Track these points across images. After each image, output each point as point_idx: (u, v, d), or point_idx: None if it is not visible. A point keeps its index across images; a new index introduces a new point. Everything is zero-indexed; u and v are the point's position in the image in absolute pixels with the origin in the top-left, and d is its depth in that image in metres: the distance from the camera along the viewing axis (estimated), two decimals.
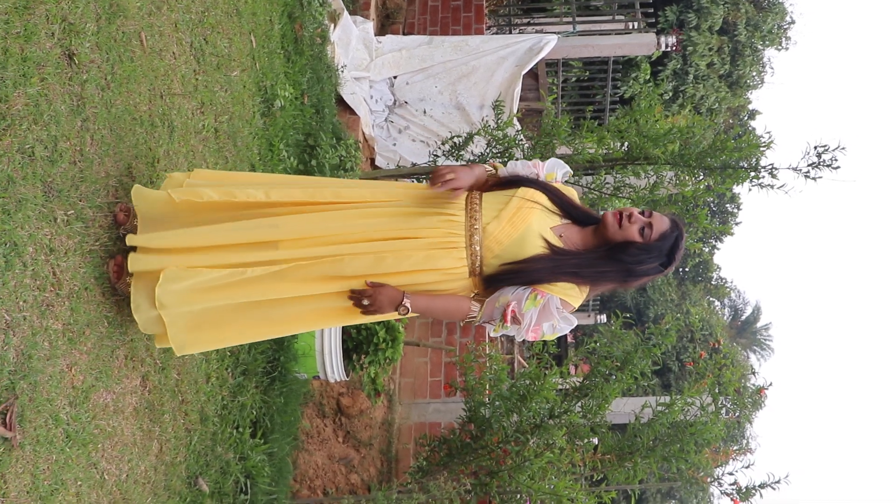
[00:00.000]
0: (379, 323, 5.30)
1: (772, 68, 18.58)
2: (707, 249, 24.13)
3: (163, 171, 3.37)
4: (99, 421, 2.89)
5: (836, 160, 5.58)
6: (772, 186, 5.81)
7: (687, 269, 27.67)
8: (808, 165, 5.67)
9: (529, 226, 2.75)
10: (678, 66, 13.52)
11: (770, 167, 5.77)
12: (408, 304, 2.71)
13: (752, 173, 5.82)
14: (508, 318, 2.73)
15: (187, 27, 3.79)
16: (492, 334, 2.91)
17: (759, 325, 32.04)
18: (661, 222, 2.82)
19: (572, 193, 2.98)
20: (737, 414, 5.40)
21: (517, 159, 5.80)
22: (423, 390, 7.79)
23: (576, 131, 6.02)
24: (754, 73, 15.75)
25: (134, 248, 2.83)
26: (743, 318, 32.07)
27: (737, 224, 23.25)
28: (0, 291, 2.36)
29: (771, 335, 32.01)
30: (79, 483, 2.74)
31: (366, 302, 2.71)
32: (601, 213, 2.95)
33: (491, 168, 2.94)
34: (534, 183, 2.88)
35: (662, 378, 20.32)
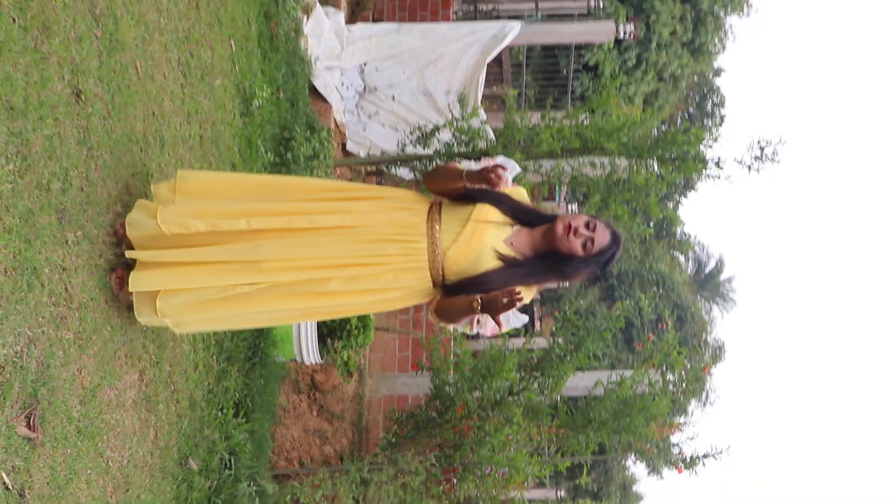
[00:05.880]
0: None
1: (733, 35, 18.91)
2: (671, 205, 24.50)
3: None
4: (104, 415, 3.25)
5: (776, 154, 6.02)
6: (718, 177, 6.23)
7: (650, 225, 28.05)
8: (753, 158, 6.10)
9: (484, 246, 3.11)
10: (641, 34, 13.82)
11: (717, 160, 6.19)
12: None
13: (700, 164, 6.23)
14: (474, 325, 3.15)
15: (175, 46, 4.08)
16: (459, 331, 3.35)
17: (722, 277, 32.40)
18: (602, 237, 3.14)
19: (521, 193, 3.31)
20: (681, 392, 5.85)
21: (487, 155, 6.16)
22: (392, 365, 8.22)
23: (537, 125, 6.35)
24: (716, 40, 16.10)
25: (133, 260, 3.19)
26: (706, 271, 32.49)
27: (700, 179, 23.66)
28: (24, 311, 2.71)
29: (734, 287, 32.39)
30: (88, 471, 3.11)
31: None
32: (554, 214, 3.32)
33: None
34: (487, 197, 3.19)
35: (626, 334, 20.95)
